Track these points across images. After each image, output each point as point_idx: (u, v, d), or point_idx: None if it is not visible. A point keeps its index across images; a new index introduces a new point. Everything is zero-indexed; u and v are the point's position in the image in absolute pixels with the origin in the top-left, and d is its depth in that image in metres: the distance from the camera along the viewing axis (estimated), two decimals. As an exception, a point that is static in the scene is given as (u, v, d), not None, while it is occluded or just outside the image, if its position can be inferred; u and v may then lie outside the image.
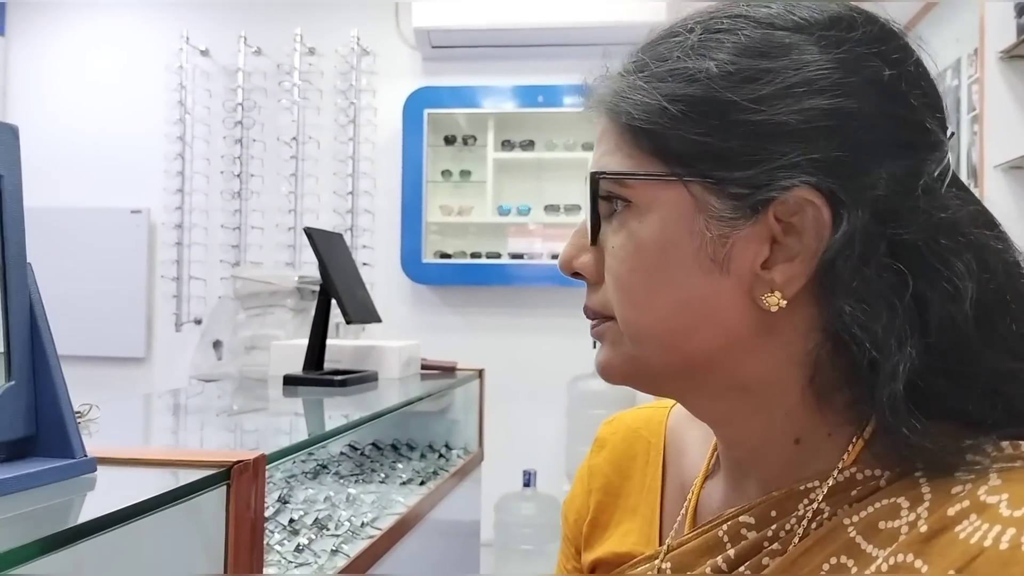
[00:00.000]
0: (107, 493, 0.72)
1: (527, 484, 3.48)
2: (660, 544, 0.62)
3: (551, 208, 4.00)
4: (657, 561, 0.59)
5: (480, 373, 2.21)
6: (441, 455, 1.96)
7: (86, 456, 0.72)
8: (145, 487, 0.77)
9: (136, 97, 4.20)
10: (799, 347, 0.51)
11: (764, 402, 0.53)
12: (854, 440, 0.50)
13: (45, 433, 0.72)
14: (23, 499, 0.66)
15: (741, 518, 0.53)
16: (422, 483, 1.71)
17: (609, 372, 0.57)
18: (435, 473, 1.81)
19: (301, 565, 1.13)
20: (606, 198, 0.54)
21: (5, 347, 0.71)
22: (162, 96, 4.14)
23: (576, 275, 0.58)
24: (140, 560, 0.75)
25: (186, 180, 4.13)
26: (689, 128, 0.50)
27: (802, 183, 0.48)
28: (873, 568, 0.46)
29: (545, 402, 3.90)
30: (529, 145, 4.02)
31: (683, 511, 0.63)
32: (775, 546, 0.51)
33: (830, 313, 0.49)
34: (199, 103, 4.14)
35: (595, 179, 0.54)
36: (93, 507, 0.69)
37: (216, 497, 0.77)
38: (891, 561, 0.45)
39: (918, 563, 0.44)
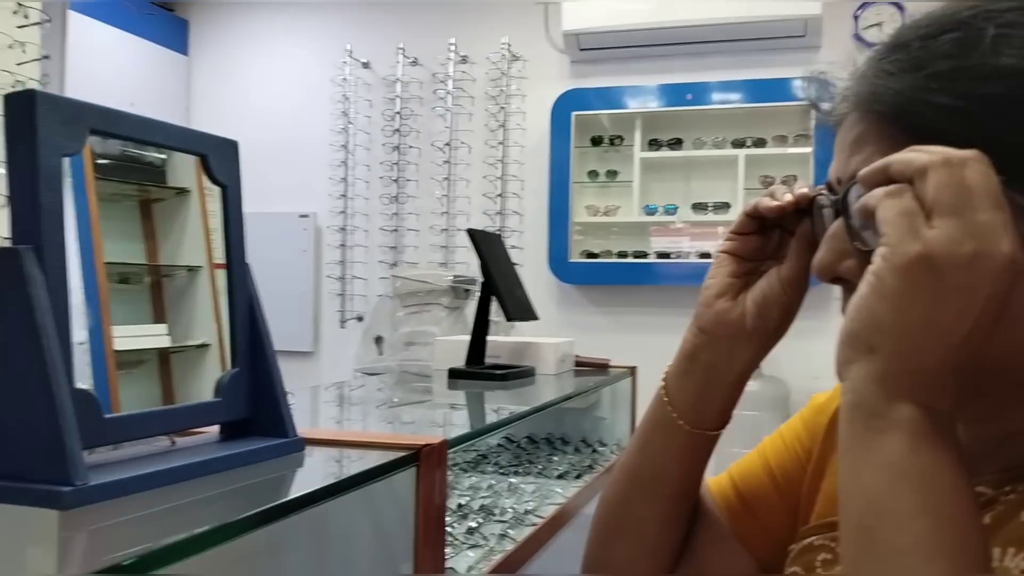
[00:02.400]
0: (315, 470, 0.81)
1: (676, 484, 3.46)
2: None
3: (699, 207, 3.95)
4: None
5: (633, 371, 2.23)
6: (595, 450, 2.00)
7: (296, 436, 0.81)
8: (347, 466, 0.85)
9: (304, 110, 4.49)
10: None
11: None
12: None
13: (262, 415, 0.81)
14: (246, 472, 0.75)
15: (978, 488, 0.53)
16: (578, 476, 1.76)
17: None
18: (590, 467, 1.85)
19: (473, 546, 1.20)
20: None
21: (231, 338, 0.80)
22: (327, 108, 4.39)
23: (836, 280, 0.57)
24: (342, 532, 0.83)
25: (349, 186, 4.37)
26: (990, 128, 0.49)
27: None
28: None
29: (694, 402, 3.86)
30: (677, 144, 3.99)
31: None
32: (1011, 496, 0.52)
33: None
34: (360, 113, 4.37)
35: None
36: (305, 482, 0.77)
37: (407, 477, 0.84)
38: None
39: None
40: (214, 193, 0.82)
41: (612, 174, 4.11)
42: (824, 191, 0.61)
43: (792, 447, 0.76)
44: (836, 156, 0.58)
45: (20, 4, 1.79)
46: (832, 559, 0.62)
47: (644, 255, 3.99)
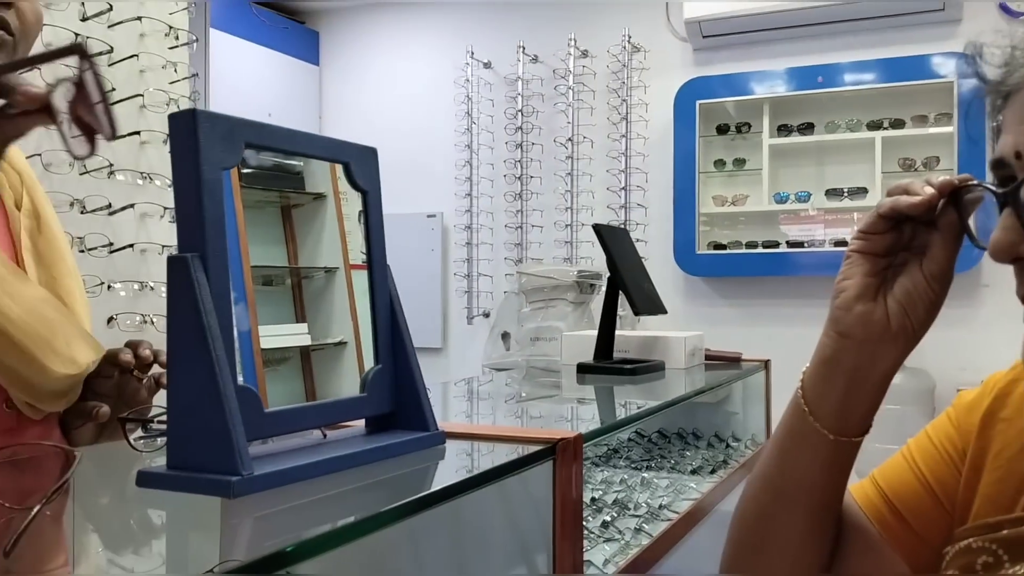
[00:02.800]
0: (455, 463, 0.84)
1: (814, 481, 3.35)
2: None
3: (833, 193, 3.80)
4: None
5: (766, 364, 2.18)
6: (728, 445, 1.97)
7: (438, 430, 0.84)
8: (486, 459, 0.88)
9: (430, 111, 4.61)
10: None
11: None
12: None
13: (404, 409, 0.85)
14: (391, 465, 0.78)
15: None
16: (712, 471, 1.73)
17: None
18: (724, 463, 1.82)
19: (609, 540, 1.21)
20: None
21: (373, 335, 0.84)
22: (451, 109, 4.49)
23: (1017, 260, 0.56)
24: (482, 524, 0.85)
25: (473, 185, 4.45)
26: None
27: None
28: None
29: (831, 396, 3.72)
30: (808, 128, 3.85)
31: None
32: None
33: None
34: (483, 112, 4.44)
35: None
36: (446, 474, 0.80)
37: (544, 470, 0.86)
38: None
39: None
40: (348, 197, 0.86)
41: (740, 163, 4.01)
42: (973, 180, 0.58)
43: (943, 449, 0.73)
44: (1013, 127, 0.55)
45: (171, 27, 1.92)
46: (993, 562, 0.60)
47: (775, 245, 3.87)
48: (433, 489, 0.71)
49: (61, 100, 0.79)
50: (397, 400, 0.85)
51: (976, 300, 3.49)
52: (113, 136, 0.81)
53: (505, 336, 3.81)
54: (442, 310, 4.57)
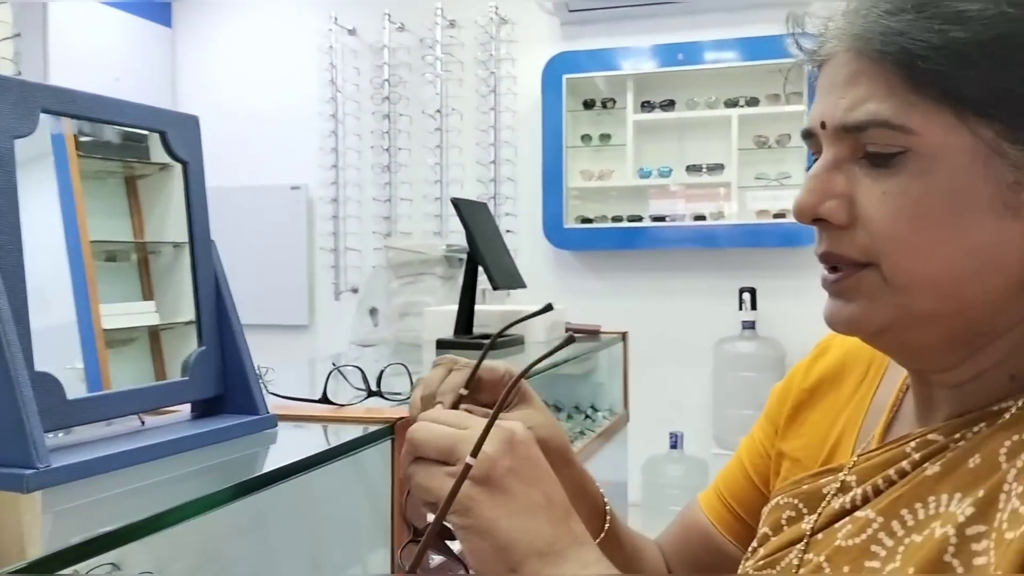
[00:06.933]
0: (287, 446, 0.81)
1: (674, 446, 3.48)
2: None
3: (693, 168, 3.93)
4: (842, 473, 0.61)
5: (624, 336, 2.23)
6: (587, 416, 2.01)
7: (268, 413, 0.81)
8: (319, 441, 0.85)
9: (291, 79, 4.44)
10: None
11: (1001, 344, 0.54)
12: None
13: (232, 392, 0.81)
14: (217, 451, 0.74)
15: (930, 436, 0.55)
16: (572, 442, 1.76)
17: (861, 324, 0.56)
18: (582, 433, 1.86)
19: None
20: (874, 143, 0.53)
21: (196, 316, 0.80)
22: (315, 77, 4.35)
23: (816, 221, 0.56)
24: (315, 506, 0.83)
25: (339, 156, 4.33)
26: (988, 73, 0.49)
27: None
28: None
29: (691, 365, 3.87)
30: (669, 105, 3.95)
31: (875, 432, 0.64)
32: (960, 444, 0.53)
33: None
34: (349, 81, 4.33)
35: (870, 126, 0.52)
36: (276, 458, 0.77)
37: (382, 451, 0.84)
38: None
39: None
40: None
41: (605, 138, 4.07)
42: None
43: (760, 444, 0.77)
44: (822, 97, 0.56)
45: (-10, -20, 1.76)
46: (795, 515, 0.63)
47: (639, 219, 3.97)
48: (251, 476, 0.67)
49: None
50: (225, 383, 0.81)
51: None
52: None
53: (373, 312, 3.75)
54: (308, 286, 4.45)
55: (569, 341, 0.58)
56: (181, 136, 0.79)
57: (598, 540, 0.73)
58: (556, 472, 0.66)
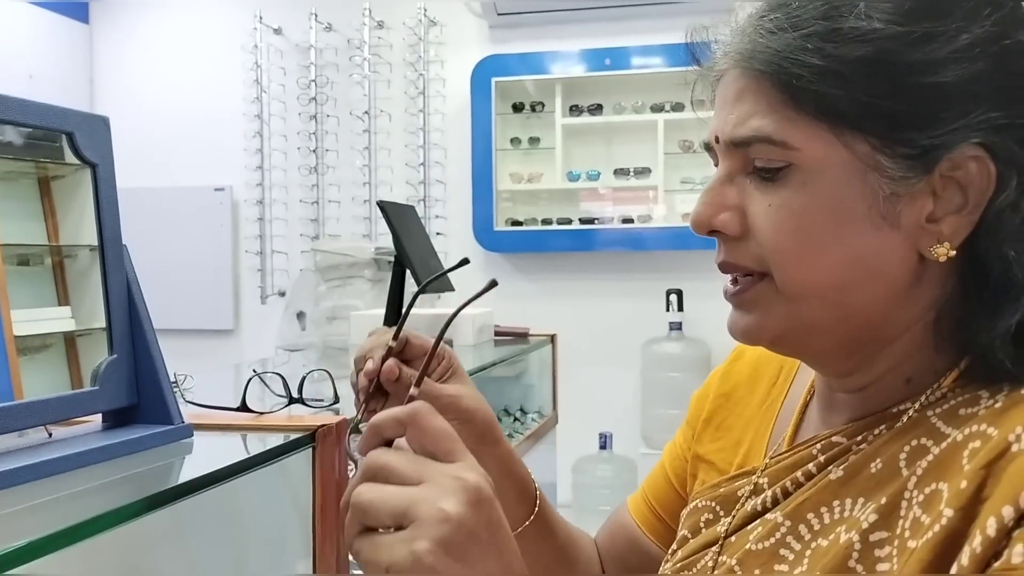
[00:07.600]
0: (204, 456, 0.79)
1: (603, 447, 3.52)
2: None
3: (621, 172, 3.98)
4: (755, 476, 0.63)
5: (552, 338, 2.24)
6: (516, 419, 2.01)
7: (183, 423, 0.79)
8: (238, 450, 0.83)
9: (215, 78, 4.33)
10: (937, 293, 0.54)
11: (894, 349, 0.55)
12: (950, 372, 0.54)
13: (145, 402, 0.78)
14: (129, 462, 0.72)
15: (834, 438, 0.57)
16: (498, 446, 1.76)
17: (758, 334, 0.58)
18: (511, 435, 1.86)
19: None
20: (760, 158, 0.54)
21: (107, 323, 0.77)
22: (239, 76, 4.25)
23: (712, 233, 0.58)
24: (236, 516, 0.81)
25: (265, 157, 4.25)
26: (860, 90, 0.50)
27: (973, 142, 0.50)
28: (946, 444, 0.49)
29: (619, 366, 3.91)
30: (597, 109, 3.99)
31: (785, 434, 0.66)
32: (863, 447, 0.55)
33: (991, 258, 0.51)
34: (274, 81, 4.24)
35: (754, 142, 0.54)
36: (191, 469, 0.75)
37: (303, 459, 0.82)
38: (965, 431, 0.48)
39: (991, 431, 0.47)
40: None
41: (534, 141, 4.09)
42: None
43: (680, 448, 0.78)
44: (716, 112, 0.58)
45: None
46: (712, 518, 0.64)
47: (569, 222, 4.00)
48: (165, 487, 0.65)
49: None
50: (138, 392, 0.78)
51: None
52: None
53: (300, 316, 3.68)
54: (233, 289, 4.35)
55: (492, 285, 0.60)
56: (90, 137, 0.77)
57: (527, 523, 0.73)
58: (483, 451, 0.67)
